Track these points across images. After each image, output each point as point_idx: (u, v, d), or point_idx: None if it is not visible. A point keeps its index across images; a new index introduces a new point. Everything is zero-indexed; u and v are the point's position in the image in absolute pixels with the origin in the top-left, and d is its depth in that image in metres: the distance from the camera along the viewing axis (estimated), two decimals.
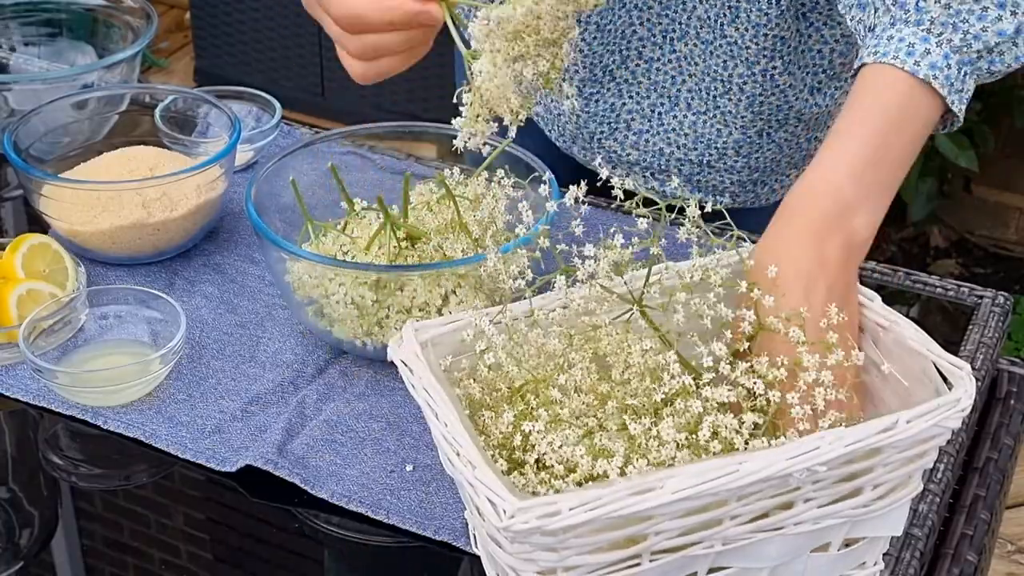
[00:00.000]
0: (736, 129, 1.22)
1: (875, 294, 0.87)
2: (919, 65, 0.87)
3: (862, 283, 0.87)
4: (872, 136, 0.87)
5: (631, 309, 0.84)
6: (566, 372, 0.82)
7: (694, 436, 0.78)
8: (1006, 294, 1.18)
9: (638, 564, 0.76)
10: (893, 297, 1.18)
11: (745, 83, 1.18)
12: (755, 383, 0.80)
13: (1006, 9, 0.90)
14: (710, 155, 1.25)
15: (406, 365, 0.82)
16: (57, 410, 1.03)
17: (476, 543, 0.86)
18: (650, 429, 0.78)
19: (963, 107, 0.90)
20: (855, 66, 0.92)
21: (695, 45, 1.18)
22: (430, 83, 2.91)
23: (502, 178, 1.08)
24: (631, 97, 1.25)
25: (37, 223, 1.22)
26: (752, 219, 1.15)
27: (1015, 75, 2.58)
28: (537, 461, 0.78)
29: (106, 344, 1.08)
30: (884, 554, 0.87)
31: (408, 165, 1.19)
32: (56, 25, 1.48)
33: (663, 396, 0.81)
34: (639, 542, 0.75)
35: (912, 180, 2.52)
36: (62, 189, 1.15)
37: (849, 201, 0.86)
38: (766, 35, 1.14)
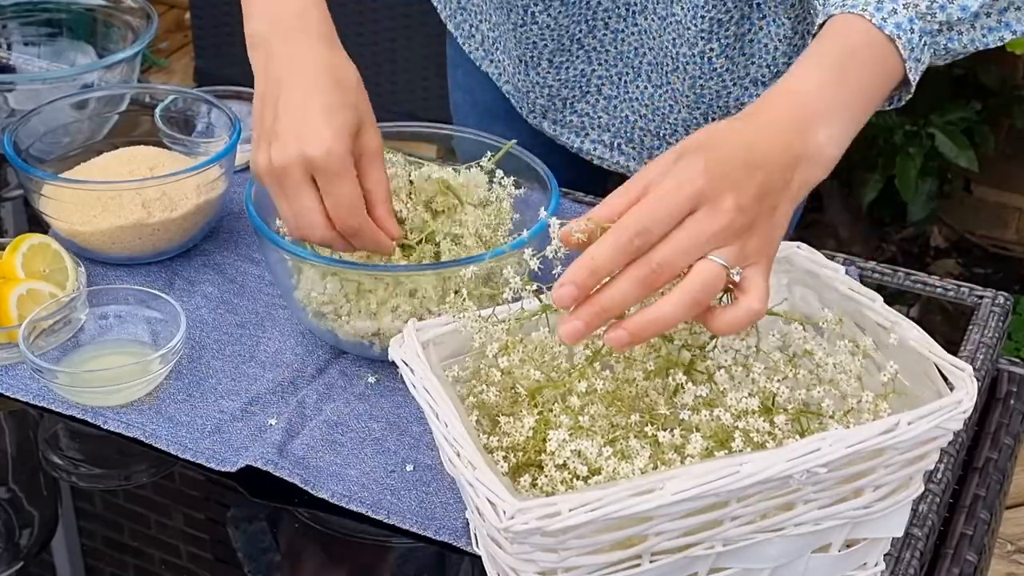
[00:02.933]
0: (683, 108, 1.25)
1: (876, 294, 0.87)
2: (886, 21, 0.88)
3: (863, 283, 0.87)
4: (836, 63, 0.86)
5: None
6: (586, 379, 0.81)
7: (726, 449, 0.77)
8: (1006, 294, 1.18)
9: (638, 565, 0.76)
10: (893, 297, 1.18)
11: (688, 63, 1.20)
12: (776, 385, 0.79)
13: None
14: (665, 129, 1.28)
15: (407, 365, 0.82)
16: (57, 410, 1.03)
17: (477, 543, 0.86)
18: (681, 446, 0.77)
19: (916, 78, 0.90)
20: (818, 21, 0.91)
21: (653, 20, 1.21)
22: (430, 83, 2.91)
23: (502, 178, 1.08)
24: (600, 64, 1.27)
25: (37, 223, 1.22)
26: None
27: (1015, 75, 2.59)
28: (563, 465, 0.78)
29: (106, 344, 1.08)
30: (884, 554, 0.87)
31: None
32: (56, 25, 1.48)
33: (687, 409, 0.80)
34: (639, 543, 0.75)
35: (912, 180, 2.52)
36: (62, 189, 1.14)
37: (814, 109, 0.84)
38: (703, 16, 1.16)
